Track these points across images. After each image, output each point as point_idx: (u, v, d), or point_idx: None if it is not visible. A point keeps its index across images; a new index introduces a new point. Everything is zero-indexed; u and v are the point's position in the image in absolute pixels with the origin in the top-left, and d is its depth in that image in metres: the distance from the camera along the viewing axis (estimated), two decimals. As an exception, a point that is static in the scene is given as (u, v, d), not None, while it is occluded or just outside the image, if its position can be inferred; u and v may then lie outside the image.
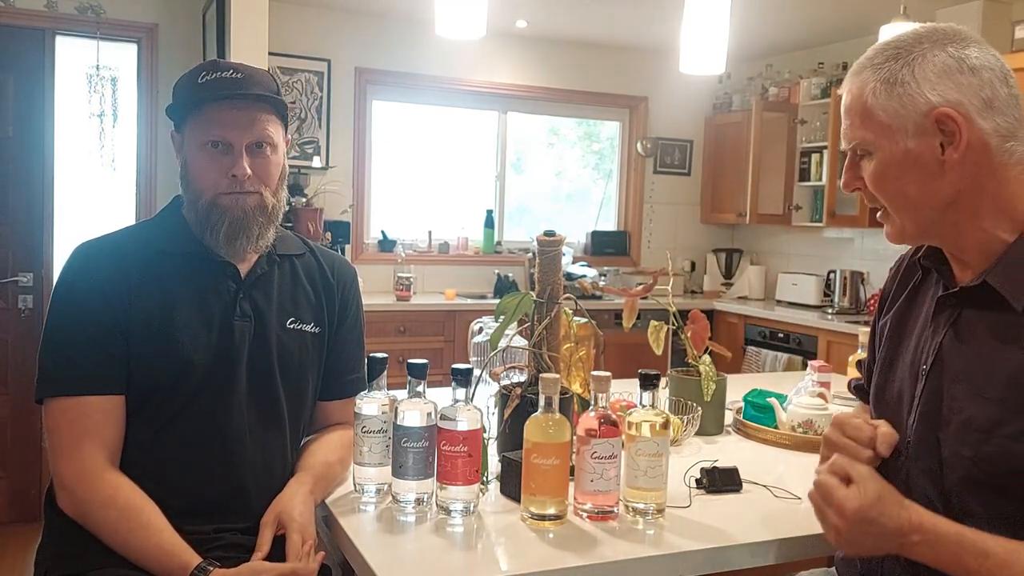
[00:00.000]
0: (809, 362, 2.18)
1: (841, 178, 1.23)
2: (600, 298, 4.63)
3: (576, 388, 1.64)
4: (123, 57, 4.00)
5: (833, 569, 1.40)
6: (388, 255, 4.77)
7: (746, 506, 1.48)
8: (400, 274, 4.49)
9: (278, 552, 1.32)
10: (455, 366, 1.37)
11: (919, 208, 1.14)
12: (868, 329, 1.45)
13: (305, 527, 1.33)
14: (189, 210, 1.46)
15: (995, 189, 1.11)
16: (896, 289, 1.32)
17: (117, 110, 3.94)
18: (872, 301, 4.57)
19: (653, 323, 1.97)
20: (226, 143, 1.41)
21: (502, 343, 1.63)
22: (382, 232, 4.85)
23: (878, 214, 1.21)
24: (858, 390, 1.47)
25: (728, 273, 5.53)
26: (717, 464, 1.57)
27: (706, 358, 1.95)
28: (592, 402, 1.36)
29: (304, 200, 4.29)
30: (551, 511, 1.33)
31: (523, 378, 1.62)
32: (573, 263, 5.03)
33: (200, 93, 1.41)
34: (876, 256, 4.69)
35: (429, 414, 1.38)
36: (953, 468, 1.10)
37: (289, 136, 1.55)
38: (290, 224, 3.88)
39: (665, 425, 1.37)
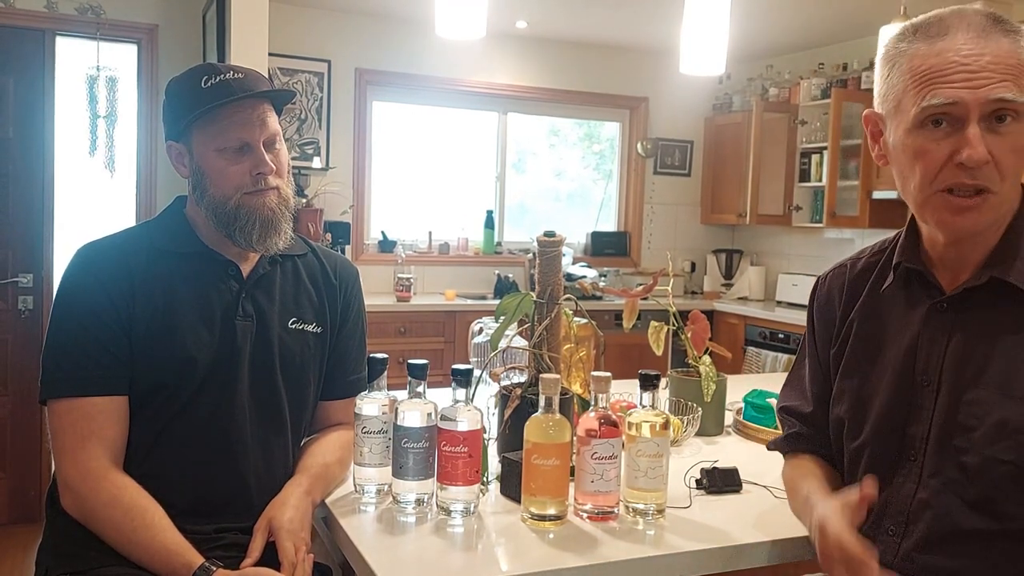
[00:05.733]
0: (809, 363, 2.18)
1: (973, 151, 1.04)
2: (600, 299, 4.63)
3: (576, 388, 1.64)
4: (123, 58, 4.00)
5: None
6: (388, 256, 4.77)
7: (746, 507, 1.48)
8: (400, 275, 4.49)
9: (272, 556, 1.31)
10: (455, 366, 1.37)
11: (1017, 189, 1.10)
12: None
13: (295, 533, 1.33)
14: (210, 215, 1.44)
15: None
16: (843, 311, 1.28)
17: (117, 111, 3.94)
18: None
19: (653, 324, 1.97)
20: (246, 144, 1.42)
21: (502, 344, 1.63)
22: (382, 233, 4.85)
23: (963, 199, 1.07)
24: (792, 439, 1.38)
25: (728, 274, 5.53)
26: (717, 465, 1.57)
27: (706, 359, 1.95)
28: (592, 402, 1.36)
29: (304, 201, 4.29)
30: (551, 511, 1.33)
31: (523, 379, 1.62)
32: (573, 264, 5.03)
33: (209, 98, 1.39)
34: (876, 257, 4.68)
35: (429, 414, 1.38)
36: (986, 474, 1.07)
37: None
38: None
39: (665, 426, 1.37)
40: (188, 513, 1.35)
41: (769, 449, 1.47)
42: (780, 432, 1.45)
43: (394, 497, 1.40)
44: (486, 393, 1.68)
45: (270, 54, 3.61)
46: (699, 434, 1.88)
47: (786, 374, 1.48)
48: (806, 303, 1.28)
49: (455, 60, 4.87)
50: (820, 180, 4.77)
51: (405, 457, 1.37)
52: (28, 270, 3.76)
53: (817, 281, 1.37)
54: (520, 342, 1.64)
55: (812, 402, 1.36)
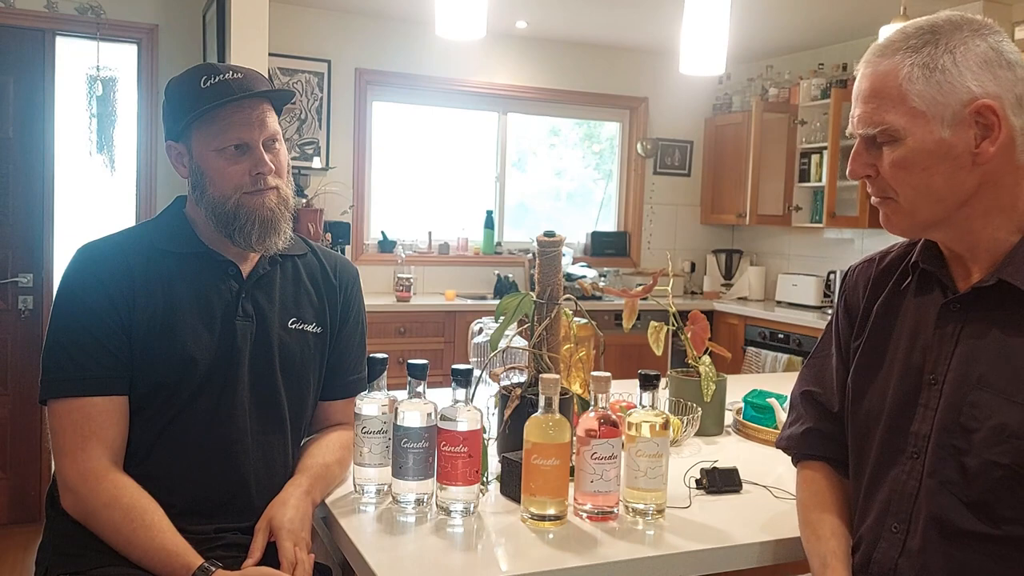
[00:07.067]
0: (809, 363, 2.18)
1: (848, 166, 1.16)
2: (600, 299, 4.63)
3: (576, 389, 1.64)
4: (123, 58, 4.00)
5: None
6: (388, 256, 4.77)
7: (746, 507, 1.48)
8: (400, 275, 4.49)
9: (272, 556, 1.31)
10: (455, 367, 1.37)
11: (940, 201, 1.11)
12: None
13: (296, 533, 1.33)
14: (209, 215, 1.44)
15: (1011, 187, 1.10)
16: (867, 304, 1.29)
17: (117, 111, 3.94)
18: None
19: (653, 324, 1.97)
20: (245, 144, 1.42)
21: (502, 344, 1.63)
22: (382, 233, 4.85)
23: (875, 200, 1.17)
24: (811, 437, 1.36)
25: (728, 274, 5.53)
26: (717, 464, 1.57)
27: (706, 359, 1.95)
28: (592, 403, 1.36)
29: (304, 201, 4.30)
30: (551, 512, 1.33)
31: (523, 379, 1.62)
32: (573, 264, 5.03)
33: (209, 99, 1.39)
34: (876, 257, 4.69)
35: (429, 414, 1.38)
36: (984, 477, 1.08)
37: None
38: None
39: (665, 426, 1.37)
40: (188, 513, 1.35)
41: (778, 446, 1.43)
42: (786, 421, 1.41)
43: (394, 497, 1.40)
44: (486, 393, 1.68)
45: (270, 54, 3.61)
46: (699, 434, 1.88)
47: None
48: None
49: (455, 60, 4.87)
50: (820, 180, 4.78)
51: (405, 457, 1.37)
52: (28, 270, 3.76)
53: (846, 273, 1.38)
54: (520, 342, 1.64)
55: (839, 401, 1.33)
